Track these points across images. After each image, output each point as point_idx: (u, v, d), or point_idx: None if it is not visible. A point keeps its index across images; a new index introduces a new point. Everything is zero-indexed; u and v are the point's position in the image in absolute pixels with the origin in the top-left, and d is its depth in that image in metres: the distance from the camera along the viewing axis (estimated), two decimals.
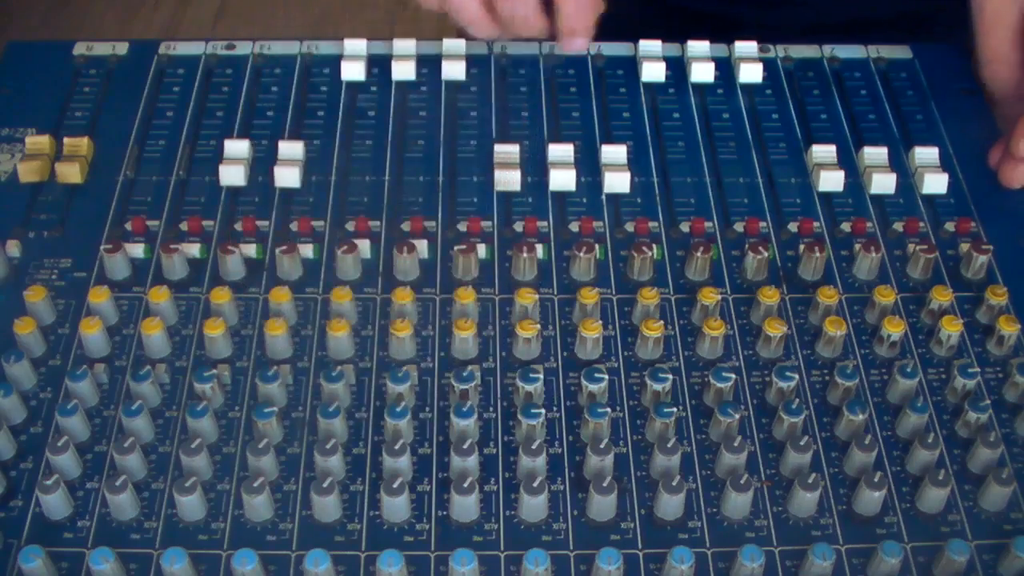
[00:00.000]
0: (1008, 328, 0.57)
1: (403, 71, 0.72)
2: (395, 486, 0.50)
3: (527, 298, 0.58)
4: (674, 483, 0.50)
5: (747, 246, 0.61)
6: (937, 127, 0.70)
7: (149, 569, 0.49)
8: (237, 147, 0.66)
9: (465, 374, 0.55)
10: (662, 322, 0.57)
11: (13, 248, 0.61)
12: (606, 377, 0.55)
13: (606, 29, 0.70)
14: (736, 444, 0.52)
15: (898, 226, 0.64)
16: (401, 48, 0.73)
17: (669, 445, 0.52)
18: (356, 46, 0.73)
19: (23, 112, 0.69)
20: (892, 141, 0.69)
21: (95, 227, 0.63)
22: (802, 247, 0.61)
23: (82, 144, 0.66)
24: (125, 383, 0.55)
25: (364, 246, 0.61)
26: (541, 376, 0.55)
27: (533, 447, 0.52)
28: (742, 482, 0.51)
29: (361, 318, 0.59)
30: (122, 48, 0.74)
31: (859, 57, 0.74)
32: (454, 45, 0.73)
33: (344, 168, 0.66)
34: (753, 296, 0.59)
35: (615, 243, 0.63)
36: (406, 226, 0.63)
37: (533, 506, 0.51)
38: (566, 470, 0.53)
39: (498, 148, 0.67)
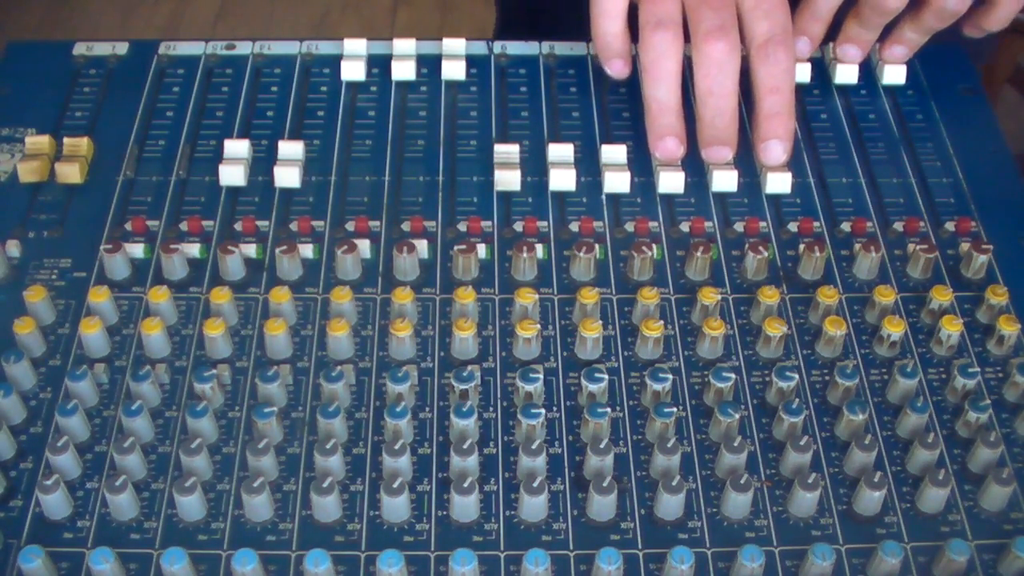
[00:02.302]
0: (1008, 328, 0.57)
1: (403, 71, 0.72)
2: (395, 486, 0.50)
3: (527, 298, 0.58)
4: (674, 483, 0.51)
5: (747, 246, 0.61)
6: (937, 127, 0.70)
7: (149, 569, 0.49)
8: (237, 147, 0.66)
9: (465, 374, 0.55)
10: (662, 322, 0.57)
11: (13, 248, 0.61)
12: (606, 377, 0.55)
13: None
14: (736, 444, 0.52)
15: (898, 226, 0.64)
16: (401, 48, 0.73)
17: (669, 445, 0.52)
18: (356, 46, 0.73)
19: (23, 112, 0.69)
20: (892, 141, 0.69)
21: (95, 227, 0.63)
22: (802, 247, 0.61)
23: (82, 144, 0.66)
24: (125, 383, 0.55)
25: (364, 246, 0.61)
26: (541, 376, 0.55)
27: (533, 447, 0.52)
28: (742, 482, 0.51)
29: (361, 318, 0.59)
30: (122, 48, 0.74)
31: None
32: (454, 45, 0.73)
33: (344, 168, 0.66)
34: (753, 296, 0.59)
35: (615, 243, 0.63)
36: (406, 226, 0.63)
37: (533, 506, 0.51)
38: (566, 470, 0.53)
39: (498, 148, 0.67)
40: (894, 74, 0.72)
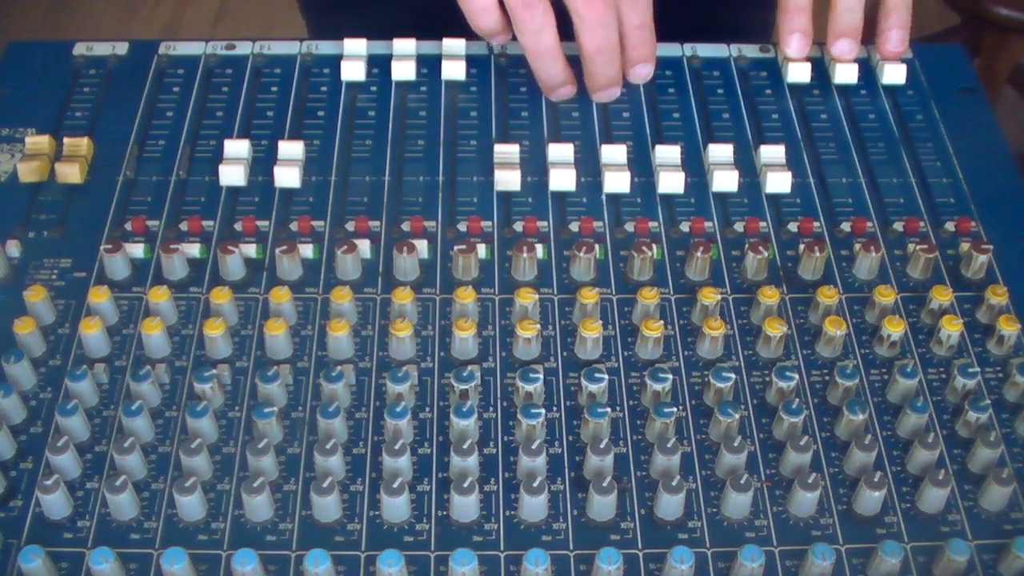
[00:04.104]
0: (1008, 328, 0.57)
1: (403, 71, 0.72)
2: (395, 486, 0.50)
3: (527, 298, 0.58)
4: (674, 483, 0.50)
5: (747, 246, 0.61)
6: (937, 127, 0.70)
7: (149, 569, 0.49)
8: (237, 147, 0.66)
9: (465, 374, 0.55)
10: (662, 322, 0.57)
11: (13, 248, 0.61)
12: (606, 377, 0.55)
13: None
14: (736, 444, 0.52)
15: (898, 226, 0.64)
16: (401, 48, 0.73)
17: (669, 445, 0.52)
18: (356, 46, 0.73)
19: (23, 112, 0.69)
20: (892, 141, 0.69)
21: (95, 227, 0.63)
22: (802, 247, 0.61)
23: (82, 144, 0.66)
24: (125, 383, 0.55)
25: (364, 246, 0.61)
26: (541, 376, 0.55)
27: (533, 447, 0.52)
28: (742, 482, 0.51)
29: (361, 318, 0.59)
30: (122, 48, 0.74)
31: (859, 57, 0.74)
32: (454, 45, 0.73)
33: (344, 168, 0.66)
34: (753, 296, 0.59)
35: (615, 243, 0.63)
36: (406, 226, 0.63)
37: (533, 506, 0.51)
38: (566, 470, 0.53)
39: (498, 148, 0.67)
40: (894, 74, 0.72)
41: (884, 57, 0.72)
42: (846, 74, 0.72)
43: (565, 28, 0.67)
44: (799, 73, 0.72)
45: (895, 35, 0.71)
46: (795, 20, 0.71)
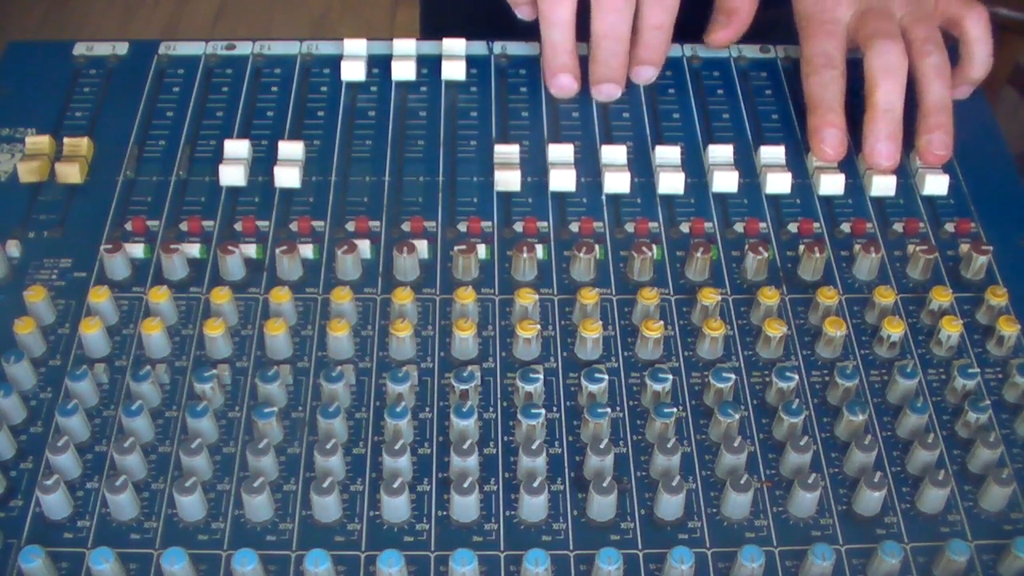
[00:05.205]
0: (1008, 328, 0.57)
1: (403, 71, 0.72)
2: (395, 486, 0.50)
3: (527, 298, 0.58)
4: (674, 483, 0.51)
5: (747, 246, 0.61)
6: None
7: (149, 569, 0.49)
8: (237, 147, 0.66)
9: (465, 374, 0.55)
10: (662, 322, 0.57)
11: (13, 248, 0.61)
12: (606, 377, 0.55)
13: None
14: (736, 444, 0.52)
15: (898, 226, 0.64)
16: (401, 48, 0.73)
17: (669, 445, 0.52)
18: (356, 46, 0.73)
19: (23, 112, 0.69)
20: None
21: (95, 227, 0.63)
22: (802, 247, 0.61)
23: (82, 144, 0.66)
24: (125, 383, 0.55)
25: (364, 246, 0.61)
26: (541, 376, 0.55)
27: (533, 447, 0.52)
28: (742, 482, 0.51)
29: (361, 318, 0.59)
30: (122, 48, 0.74)
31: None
32: (454, 45, 0.73)
33: (344, 168, 0.66)
34: (753, 296, 0.59)
35: (615, 243, 0.63)
36: (406, 226, 0.63)
37: (533, 506, 0.51)
38: (566, 470, 0.53)
39: (498, 148, 0.67)
40: (936, 185, 0.66)
41: (926, 164, 0.66)
42: (884, 186, 0.65)
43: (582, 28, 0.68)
44: (833, 185, 0.66)
45: (938, 138, 0.65)
46: (826, 116, 0.66)
